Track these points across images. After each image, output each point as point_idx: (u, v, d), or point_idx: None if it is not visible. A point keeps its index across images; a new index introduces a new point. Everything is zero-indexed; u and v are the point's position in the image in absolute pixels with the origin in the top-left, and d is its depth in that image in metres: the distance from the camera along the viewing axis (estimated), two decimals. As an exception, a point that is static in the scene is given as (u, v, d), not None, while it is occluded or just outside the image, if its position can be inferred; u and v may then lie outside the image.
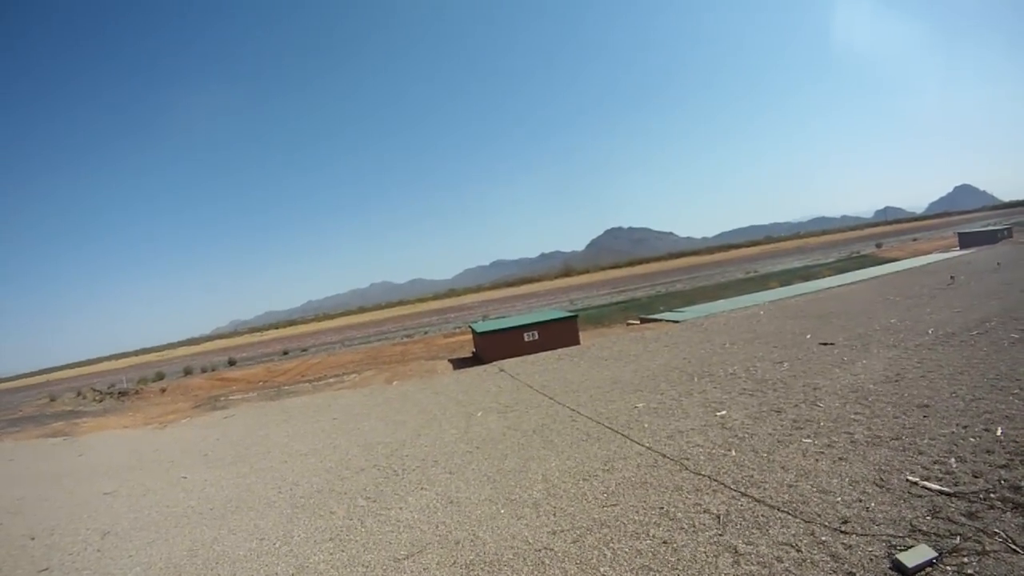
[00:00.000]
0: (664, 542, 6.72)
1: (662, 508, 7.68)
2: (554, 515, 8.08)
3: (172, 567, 8.49)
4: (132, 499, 12.37)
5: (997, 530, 5.83)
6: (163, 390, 40.61)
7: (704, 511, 7.42)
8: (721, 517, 7.16)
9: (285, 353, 62.16)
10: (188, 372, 53.72)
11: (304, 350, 61.75)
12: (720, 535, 6.70)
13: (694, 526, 7.03)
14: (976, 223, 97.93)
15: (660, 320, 32.60)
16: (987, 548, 5.57)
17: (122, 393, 41.97)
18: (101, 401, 40.27)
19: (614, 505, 8.03)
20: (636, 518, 7.50)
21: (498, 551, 7.27)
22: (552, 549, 7.07)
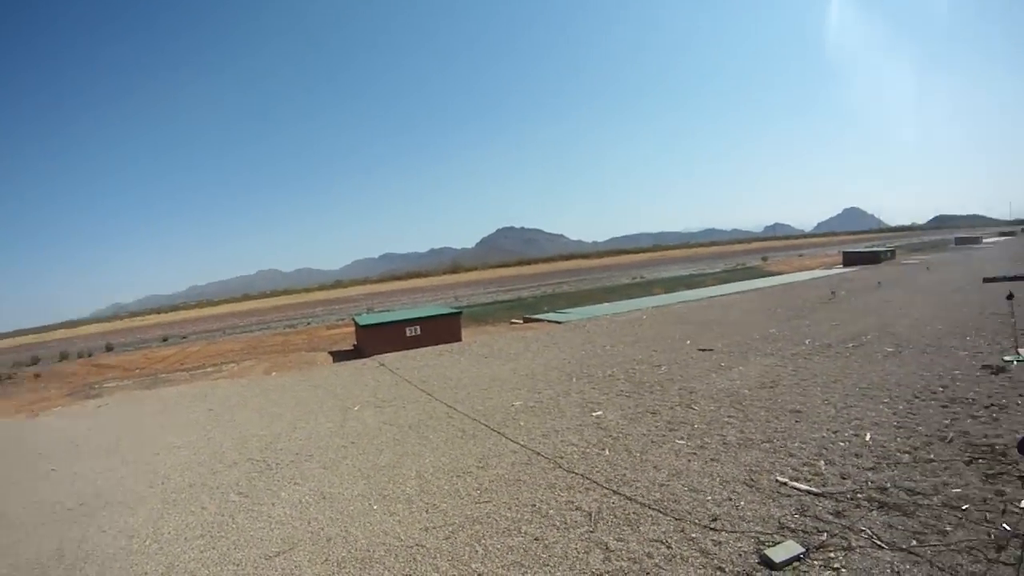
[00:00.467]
0: (536, 539, 6.81)
1: (534, 505, 7.79)
2: (427, 511, 8.05)
3: (39, 568, 7.89)
4: (-6, 493, 11.53)
5: (863, 527, 6.29)
6: (37, 375, 37.91)
7: (576, 508, 7.57)
8: (593, 514, 7.33)
9: (165, 340, 59.39)
10: (64, 357, 50.35)
11: (184, 337, 59.21)
12: (591, 532, 6.86)
13: (566, 523, 7.17)
14: (861, 244, 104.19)
15: (543, 320, 33.10)
16: (853, 544, 6.00)
17: (-6, 377, 38.98)
18: (-30, 386, 37.15)
19: (487, 502, 8.08)
20: (509, 515, 7.58)
21: (370, 547, 7.17)
22: (424, 545, 7.03)
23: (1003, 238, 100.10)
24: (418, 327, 27.07)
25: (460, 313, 29.43)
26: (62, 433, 17.08)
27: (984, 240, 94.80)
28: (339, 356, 27.44)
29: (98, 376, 33.86)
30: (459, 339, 27.54)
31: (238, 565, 7.24)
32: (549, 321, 32.18)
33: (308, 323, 55.12)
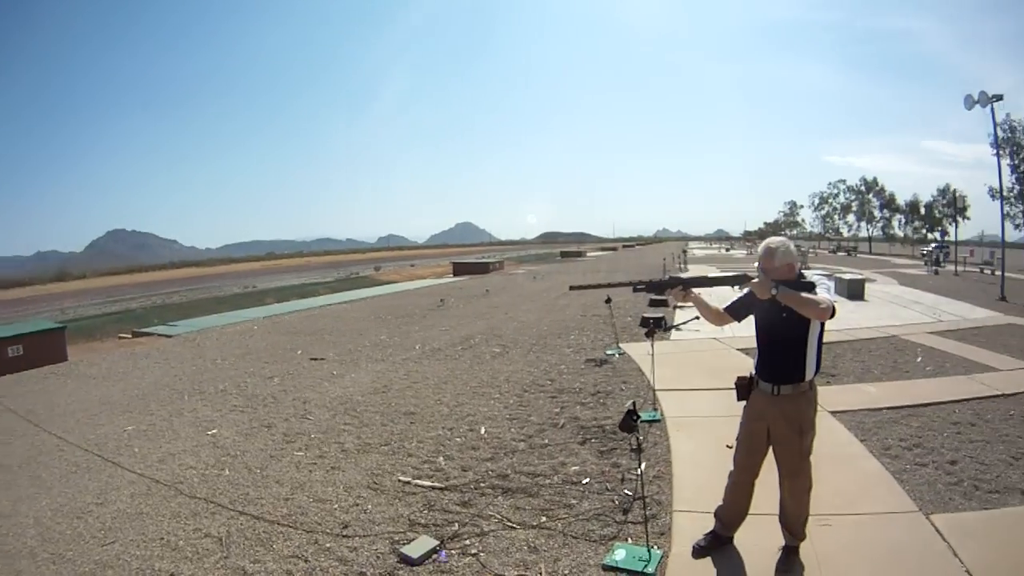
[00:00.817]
0: (171, 574, 6.32)
1: (163, 538, 7.16)
2: (54, 563, 6.94)
3: None
4: None
5: (492, 512, 6.75)
6: None
7: (206, 535, 7.09)
8: (224, 539, 6.92)
9: None
10: None
11: None
12: (226, 558, 6.47)
13: (198, 552, 6.68)
14: (472, 255, 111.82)
15: (152, 334, 30.85)
16: (485, 529, 6.39)
17: None
18: None
19: (114, 542, 7.25)
20: (138, 553, 6.86)
21: None
22: None
23: (604, 253, 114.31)
24: (20, 346, 23.64)
25: (65, 328, 26.25)
26: None
27: (587, 254, 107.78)
28: None
29: None
30: (65, 358, 24.52)
31: None
32: (159, 335, 30.10)
33: None
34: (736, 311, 5.16)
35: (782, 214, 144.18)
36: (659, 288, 5.23)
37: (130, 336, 32.23)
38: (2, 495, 9.63)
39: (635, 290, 5.41)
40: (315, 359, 17.74)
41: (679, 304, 14.20)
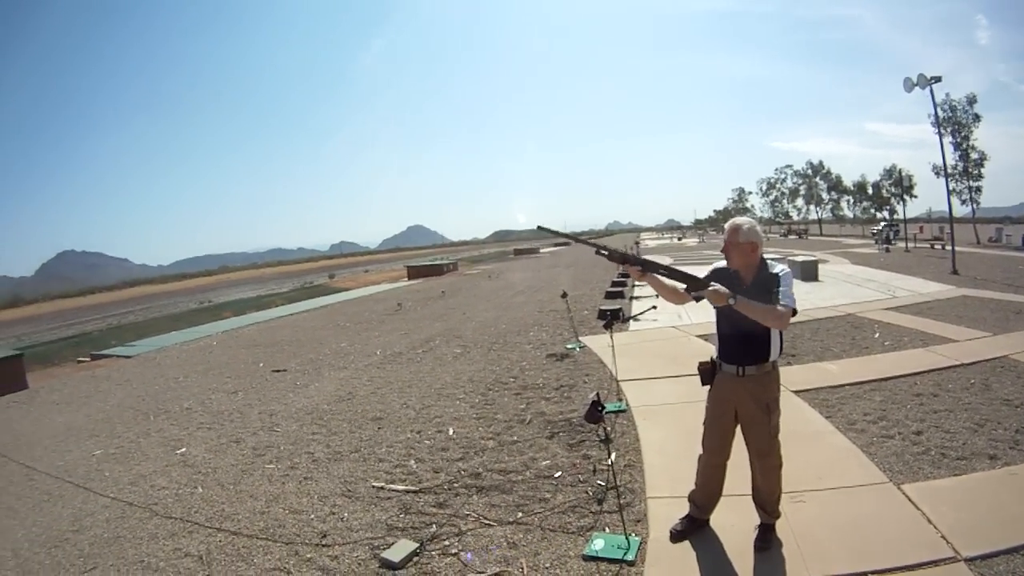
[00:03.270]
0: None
1: (143, 561, 7.17)
2: None
3: None
4: None
5: (468, 512, 6.86)
6: None
7: (185, 555, 7.13)
8: (204, 557, 6.96)
9: None
10: None
11: None
12: (208, 574, 6.60)
13: (179, 572, 6.69)
14: (426, 258, 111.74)
15: (111, 356, 30.44)
16: (463, 528, 6.51)
17: None
18: None
19: (93, 568, 7.23)
20: (115, 576, 6.96)
21: None
22: None
23: (558, 248, 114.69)
24: None
25: (22, 355, 25.74)
26: None
27: (542, 250, 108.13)
28: None
29: None
30: (25, 386, 24.06)
31: None
32: (118, 356, 29.69)
33: None
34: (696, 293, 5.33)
35: (731, 201, 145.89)
36: (620, 259, 5.37)
37: (89, 359, 31.74)
38: None
39: (597, 252, 5.57)
40: (277, 371, 17.67)
41: (636, 283, 14.51)
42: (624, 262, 5.38)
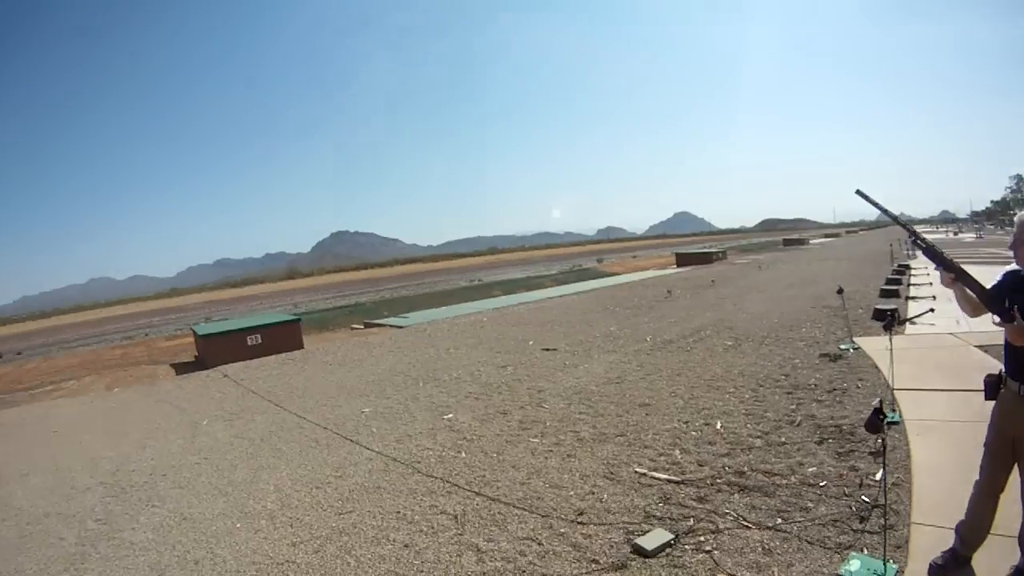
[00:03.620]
0: (406, 545, 6.60)
1: (399, 512, 7.58)
2: (291, 526, 7.65)
3: None
4: None
5: (728, 510, 6.51)
6: None
7: (441, 512, 7.43)
8: (459, 517, 7.21)
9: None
10: None
11: (19, 353, 53.96)
12: (460, 535, 6.73)
13: (433, 528, 7.01)
14: (693, 245, 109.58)
15: (384, 325, 32.75)
16: (720, 527, 6.18)
17: None
18: None
19: (351, 512, 7.79)
20: (374, 523, 7.32)
21: (239, 568, 6.67)
22: (294, 561, 6.64)
23: (828, 239, 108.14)
24: (259, 335, 26.07)
25: (299, 320, 28.65)
26: None
27: (811, 241, 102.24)
28: (181, 368, 25.91)
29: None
30: (301, 346, 26.77)
31: (107, 600, 6.61)
32: (390, 326, 31.87)
33: (146, 334, 52.02)
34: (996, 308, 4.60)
35: (1009, 190, 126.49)
36: (934, 257, 4.75)
37: (362, 327, 34.26)
38: (245, 464, 10.70)
39: (914, 242, 4.96)
40: (547, 349, 18.13)
41: (913, 283, 12.95)
42: (937, 261, 4.74)
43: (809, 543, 5.74)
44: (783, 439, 8.59)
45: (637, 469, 8.01)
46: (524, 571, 5.85)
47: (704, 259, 63.80)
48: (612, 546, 6.03)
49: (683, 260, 66.49)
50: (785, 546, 5.74)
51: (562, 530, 6.49)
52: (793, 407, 10.00)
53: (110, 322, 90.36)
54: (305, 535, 7.32)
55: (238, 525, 8.02)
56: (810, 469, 7.40)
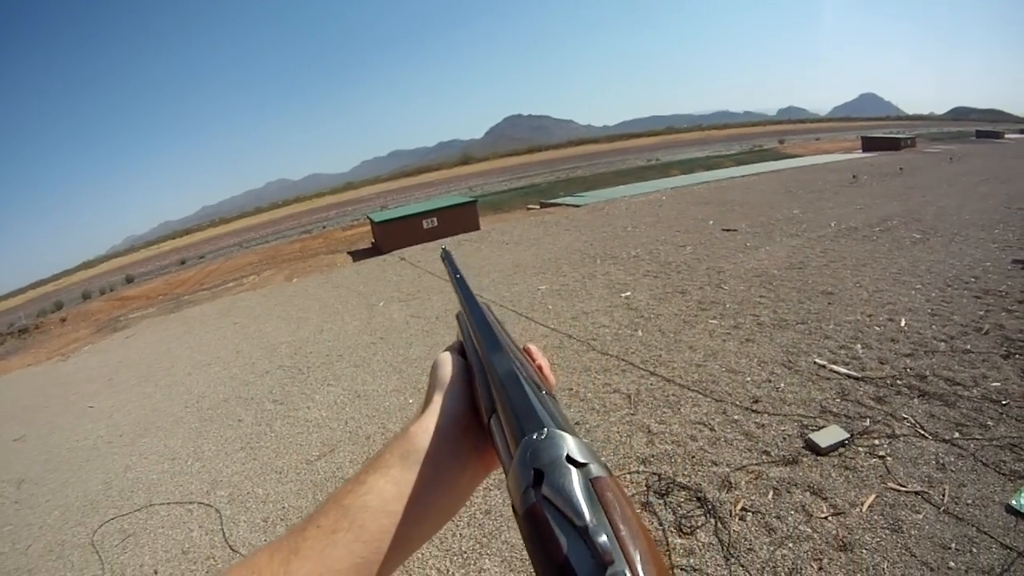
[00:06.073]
0: (576, 423, 6.76)
1: (572, 389, 7.74)
2: None
3: (89, 503, 7.91)
4: (41, 440, 11.40)
5: (905, 415, 6.09)
6: (63, 319, 38.68)
7: (614, 391, 7.51)
8: (632, 396, 7.26)
9: (183, 263, 60.03)
10: (86, 296, 51.13)
11: (201, 257, 59.60)
12: (632, 415, 6.79)
13: (605, 407, 7.11)
14: (879, 130, 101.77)
15: (561, 204, 32.84)
16: (896, 432, 5.81)
17: (22, 331, 39.56)
18: (2, 343, 37.63)
19: None
20: (546, 403, 7.54)
21: None
22: None
23: None
24: (435, 218, 26.88)
25: (476, 201, 29.16)
26: (95, 370, 17.11)
27: (1007, 135, 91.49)
28: (358, 255, 27.37)
29: (122, 309, 34.28)
30: (477, 227, 27.41)
31: (280, 473, 7.25)
32: (567, 205, 31.89)
33: (323, 227, 55.17)
34: None
35: None
36: None
37: (538, 207, 34.45)
38: (420, 342, 11.51)
39: None
40: (727, 230, 17.59)
41: None
42: None
43: (984, 465, 5.21)
44: (968, 346, 7.86)
45: (817, 360, 7.68)
46: (694, 456, 5.84)
47: (892, 144, 58.92)
48: (785, 439, 5.87)
49: (869, 144, 61.76)
50: (960, 464, 5.25)
51: (736, 417, 6.39)
52: (982, 313, 9.13)
53: (288, 219, 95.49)
54: (476, 412, 7.60)
55: (411, 401, 8.48)
56: (994, 384, 6.74)
